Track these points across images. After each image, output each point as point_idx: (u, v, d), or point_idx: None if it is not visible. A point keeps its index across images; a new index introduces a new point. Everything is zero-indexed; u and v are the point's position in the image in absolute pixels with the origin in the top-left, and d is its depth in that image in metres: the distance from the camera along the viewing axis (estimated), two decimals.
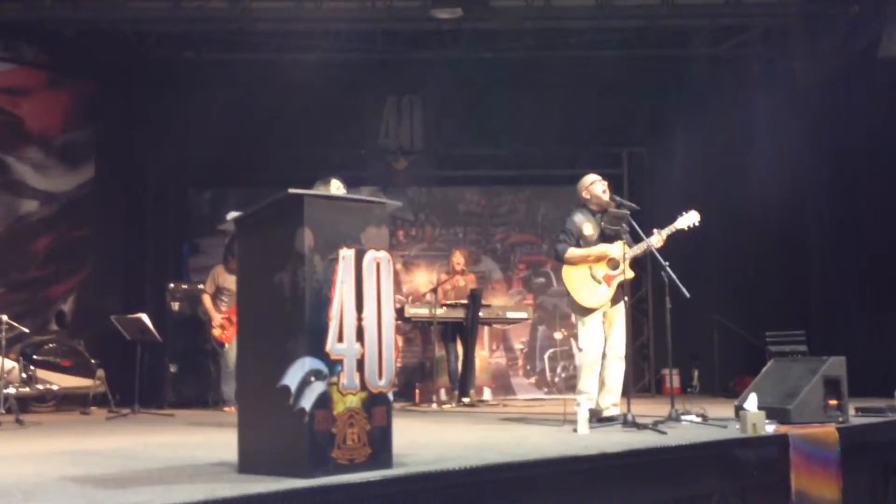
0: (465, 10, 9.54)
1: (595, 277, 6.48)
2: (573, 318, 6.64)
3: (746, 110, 10.99)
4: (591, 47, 10.93)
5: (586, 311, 6.46)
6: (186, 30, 10.72)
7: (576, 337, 6.64)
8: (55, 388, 9.10)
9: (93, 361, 9.28)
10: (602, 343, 6.47)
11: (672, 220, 6.59)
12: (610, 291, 6.47)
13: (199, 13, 10.18)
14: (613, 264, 6.49)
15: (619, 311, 6.56)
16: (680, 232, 6.57)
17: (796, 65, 10.74)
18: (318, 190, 5.74)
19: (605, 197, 6.63)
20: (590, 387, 6.40)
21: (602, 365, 6.47)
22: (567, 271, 6.56)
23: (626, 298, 6.60)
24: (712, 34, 10.88)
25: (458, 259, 10.11)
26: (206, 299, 9.00)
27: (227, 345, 8.78)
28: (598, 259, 6.50)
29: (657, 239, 6.47)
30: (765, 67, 11.14)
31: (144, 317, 8.48)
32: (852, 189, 9.93)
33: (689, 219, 6.59)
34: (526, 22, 10.55)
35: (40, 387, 8.95)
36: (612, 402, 6.45)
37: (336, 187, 6.12)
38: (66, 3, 9.79)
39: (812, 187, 10.83)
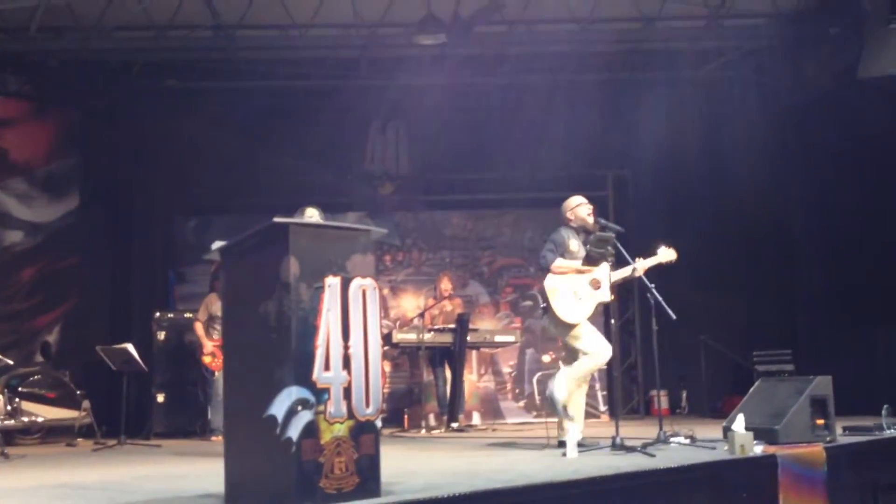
0: (448, 36, 9.60)
1: (577, 294, 6.51)
2: (560, 340, 6.60)
3: (729, 131, 11.07)
4: (574, 71, 11.01)
5: (566, 326, 6.48)
6: (171, 58, 10.74)
7: (564, 360, 6.63)
8: (41, 420, 9.03)
9: (78, 393, 9.20)
10: (608, 342, 6.52)
11: (652, 249, 6.71)
12: (589, 310, 6.53)
13: (184, 42, 10.22)
14: (595, 284, 6.53)
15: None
16: (659, 265, 6.68)
17: (778, 86, 10.84)
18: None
19: (591, 220, 6.70)
20: (583, 379, 6.44)
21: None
22: (551, 282, 6.56)
23: (612, 321, 6.65)
24: (694, 56, 10.98)
25: (446, 284, 10.12)
26: (199, 326, 8.99)
27: (217, 373, 8.75)
28: (582, 273, 6.52)
29: (641, 267, 6.51)
30: (746, 89, 11.24)
31: (130, 347, 8.44)
32: (837, 208, 10.00)
33: (667, 255, 6.70)
34: (509, 47, 10.62)
35: (25, 419, 8.87)
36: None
37: (310, 215, 6.13)
38: (50, 33, 9.81)
39: (797, 207, 10.91)
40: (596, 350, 6.44)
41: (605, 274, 6.53)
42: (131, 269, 11.25)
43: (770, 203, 10.96)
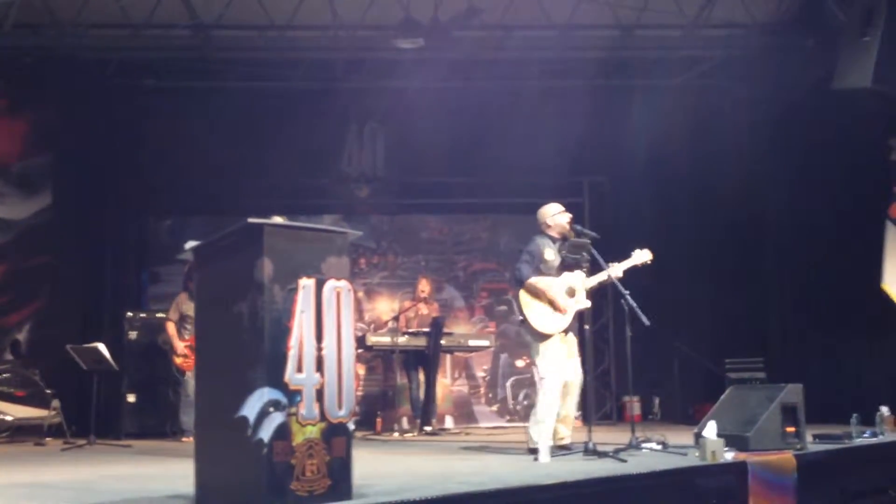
0: (427, 40, 9.59)
1: (553, 304, 6.48)
2: (532, 345, 6.58)
3: (706, 140, 11.14)
4: (552, 77, 11.03)
5: (542, 337, 6.46)
6: (148, 57, 10.65)
7: (536, 364, 6.60)
8: (9, 418, 8.93)
9: (48, 391, 9.11)
10: (563, 370, 6.47)
11: (627, 255, 6.69)
12: (567, 319, 6.49)
13: (160, 41, 10.13)
14: (571, 292, 6.52)
15: (573, 343, 6.61)
16: (634, 267, 6.66)
17: (754, 95, 10.93)
18: None
19: (567, 227, 6.69)
20: (549, 416, 6.37)
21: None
22: (525, 295, 6.54)
23: (586, 326, 6.65)
24: (671, 65, 11.04)
25: (424, 286, 10.13)
26: (170, 326, 8.94)
27: (188, 373, 8.71)
28: (554, 296, 6.49)
29: (615, 270, 6.51)
30: (724, 98, 11.31)
31: (101, 346, 8.37)
32: (810, 217, 10.08)
33: (642, 256, 6.67)
34: (487, 51, 10.64)
35: None
36: (567, 433, 6.48)
37: None
38: (25, 30, 9.70)
39: (770, 215, 11.00)
40: (549, 375, 6.38)
41: (580, 280, 6.54)
42: (104, 268, 11.14)
43: (744, 211, 11.04)
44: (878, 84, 8.01)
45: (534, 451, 5.97)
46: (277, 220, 6.10)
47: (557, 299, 6.43)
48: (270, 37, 10.10)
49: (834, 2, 9.03)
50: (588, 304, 6.64)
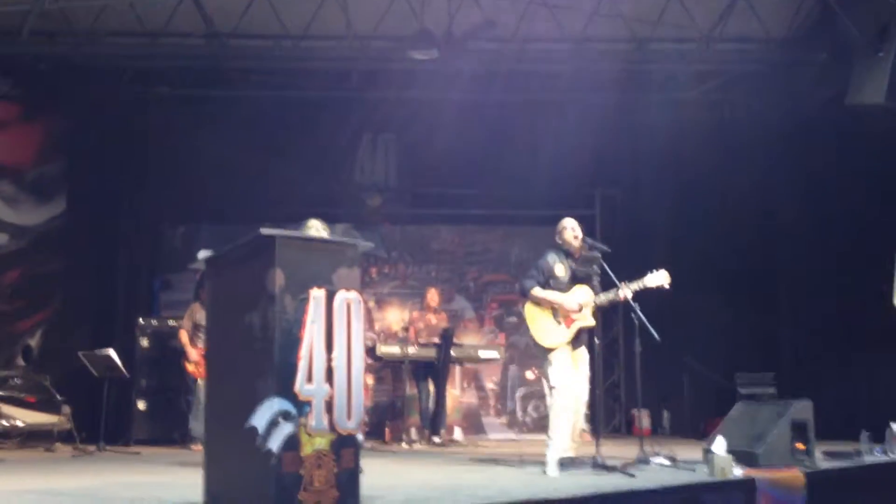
0: (441, 52, 9.62)
1: (556, 318, 6.48)
2: (540, 356, 6.57)
3: (719, 153, 11.12)
4: (565, 89, 11.04)
5: (543, 350, 6.46)
6: (163, 66, 10.72)
7: (546, 376, 6.58)
8: (20, 424, 8.95)
9: (59, 398, 9.14)
10: (573, 381, 6.44)
11: (638, 268, 6.57)
12: (569, 333, 6.46)
13: (176, 49, 10.19)
14: (578, 307, 6.49)
15: (584, 358, 6.57)
16: (648, 289, 6.48)
17: (767, 110, 10.92)
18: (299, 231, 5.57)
19: (576, 243, 6.63)
20: (563, 429, 6.35)
21: None
22: (530, 308, 6.57)
23: (597, 340, 6.62)
24: (685, 79, 11.02)
25: (433, 296, 10.13)
26: (183, 335, 8.98)
27: (200, 381, 8.73)
28: (559, 306, 6.49)
29: (623, 292, 6.42)
30: (737, 112, 11.31)
31: (112, 352, 8.40)
32: (822, 231, 10.07)
33: (657, 278, 6.46)
34: (501, 64, 10.65)
35: (4, 423, 8.79)
36: (569, 445, 6.46)
37: (316, 228, 6.00)
38: (41, 37, 9.77)
39: (782, 229, 10.97)
40: (560, 385, 6.35)
41: (588, 297, 6.50)
42: (116, 274, 11.20)
43: (757, 224, 11.02)
44: (892, 100, 8.00)
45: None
46: (313, 221, 6.05)
47: (564, 303, 6.42)
48: (285, 46, 10.14)
49: (848, 18, 9.00)
50: (592, 322, 6.57)
